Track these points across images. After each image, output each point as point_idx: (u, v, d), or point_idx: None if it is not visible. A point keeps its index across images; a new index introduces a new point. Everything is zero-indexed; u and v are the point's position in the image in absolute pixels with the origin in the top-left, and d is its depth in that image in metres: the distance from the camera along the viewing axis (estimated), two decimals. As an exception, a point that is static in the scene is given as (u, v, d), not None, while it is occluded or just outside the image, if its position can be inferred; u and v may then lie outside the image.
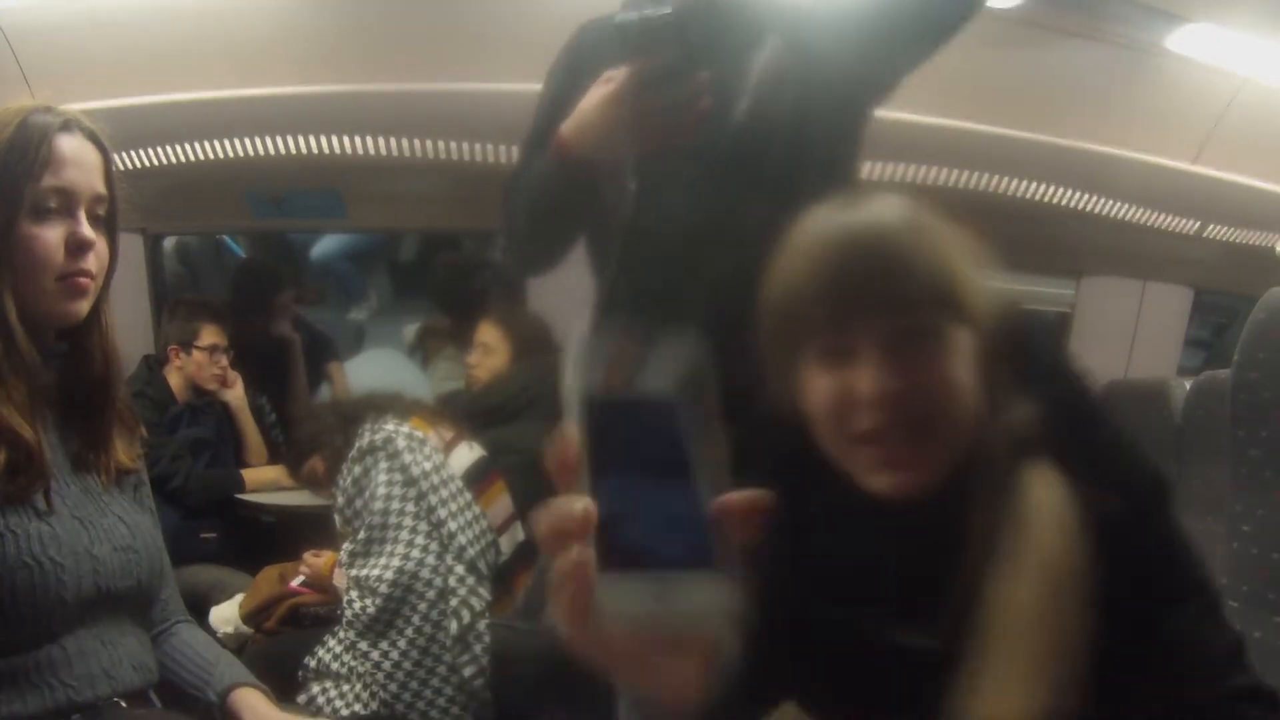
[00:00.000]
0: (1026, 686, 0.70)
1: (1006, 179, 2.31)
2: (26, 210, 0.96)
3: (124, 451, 1.09)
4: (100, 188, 1.02)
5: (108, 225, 1.03)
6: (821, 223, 0.78)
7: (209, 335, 2.62)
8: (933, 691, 0.72)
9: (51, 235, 0.97)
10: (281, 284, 3.25)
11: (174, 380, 2.62)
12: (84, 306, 1.01)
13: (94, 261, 1.00)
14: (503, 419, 2.18)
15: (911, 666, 0.75)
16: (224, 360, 2.64)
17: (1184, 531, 0.78)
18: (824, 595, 0.80)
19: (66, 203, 0.98)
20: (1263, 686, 0.74)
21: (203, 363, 2.61)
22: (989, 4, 1.17)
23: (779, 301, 0.79)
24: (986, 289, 0.77)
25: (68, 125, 1.00)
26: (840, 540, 0.79)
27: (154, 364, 2.62)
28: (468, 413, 2.26)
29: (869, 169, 2.35)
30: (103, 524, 1.04)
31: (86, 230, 0.99)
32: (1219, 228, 2.79)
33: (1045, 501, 0.72)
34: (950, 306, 0.75)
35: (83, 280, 0.99)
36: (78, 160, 0.99)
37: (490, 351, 2.37)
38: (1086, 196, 2.58)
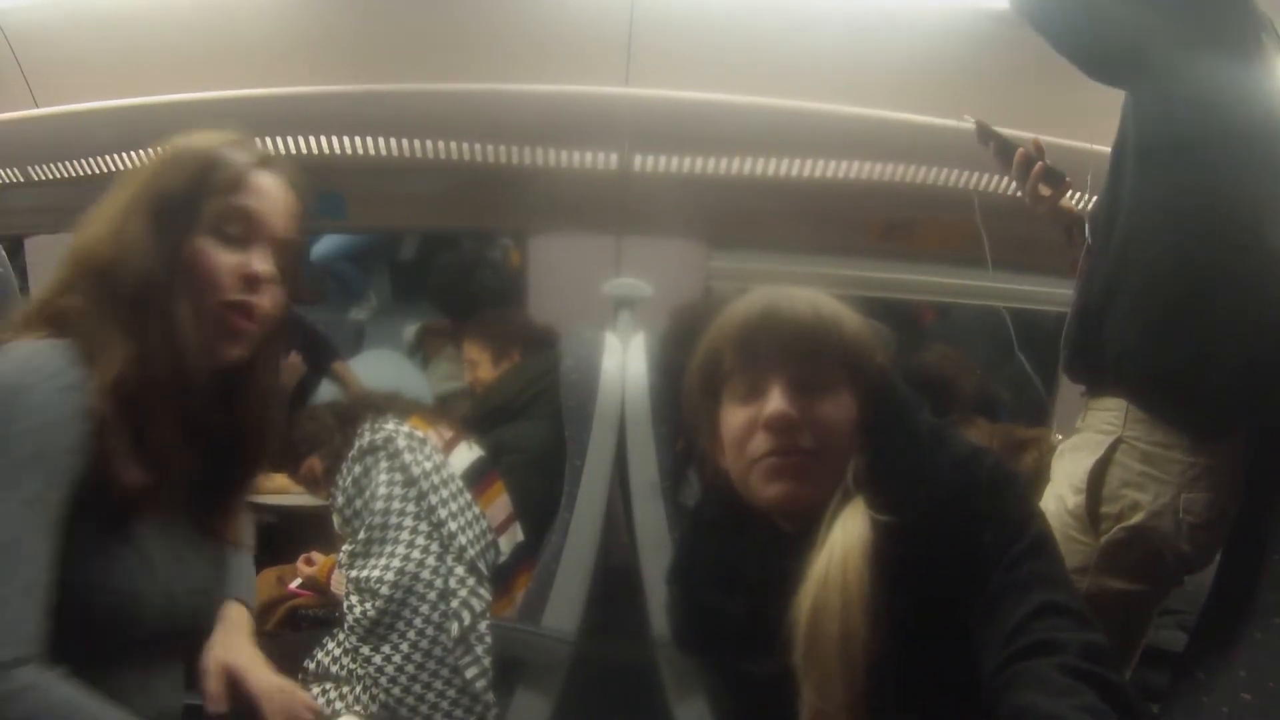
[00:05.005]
0: (828, 691, 0.85)
1: (1007, 179, 2.30)
2: (207, 226, 0.92)
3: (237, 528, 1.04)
4: (285, 233, 0.97)
5: (286, 281, 0.98)
6: (752, 296, 0.97)
7: None
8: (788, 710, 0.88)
9: (226, 259, 0.93)
10: None
11: None
12: (233, 351, 0.95)
13: (266, 300, 0.95)
14: (507, 419, 2.18)
15: (767, 690, 0.91)
16: None
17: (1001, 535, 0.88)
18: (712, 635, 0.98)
19: (247, 232, 0.94)
20: (1046, 639, 0.81)
21: None
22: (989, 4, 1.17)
23: (712, 354, 0.97)
24: (873, 363, 0.95)
25: (266, 161, 0.97)
26: (724, 574, 0.97)
27: None
28: (474, 418, 2.26)
29: (867, 169, 2.35)
30: (194, 563, 0.99)
31: (260, 264, 0.94)
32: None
33: (841, 536, 0.88)
34: (840, 369, 0.93)
35: (240, 322, 0.94)
36: (269, 194, 0.96)
37: (475, 365, 2.39)
38: (1089, 197, 2.56)
